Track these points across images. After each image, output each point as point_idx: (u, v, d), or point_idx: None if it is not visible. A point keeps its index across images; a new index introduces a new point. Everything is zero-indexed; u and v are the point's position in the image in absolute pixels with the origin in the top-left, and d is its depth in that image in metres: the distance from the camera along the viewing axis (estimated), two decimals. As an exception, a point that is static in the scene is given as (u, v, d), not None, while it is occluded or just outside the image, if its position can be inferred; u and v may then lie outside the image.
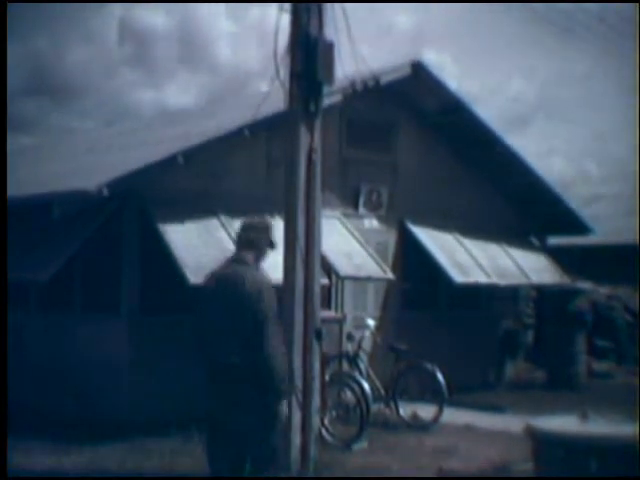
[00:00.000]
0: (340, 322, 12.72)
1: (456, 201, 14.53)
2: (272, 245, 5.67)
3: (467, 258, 14.09)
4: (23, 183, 12.40)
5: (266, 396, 5.22)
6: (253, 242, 5.54)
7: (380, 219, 13.62)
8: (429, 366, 11.04)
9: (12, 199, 11.12)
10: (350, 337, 11.54)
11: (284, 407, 5.45)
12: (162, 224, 10.39)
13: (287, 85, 8.07)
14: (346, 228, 12.67)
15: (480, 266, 14.07)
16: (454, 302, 14.47)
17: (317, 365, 8.20)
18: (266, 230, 5.65)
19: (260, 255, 5.56)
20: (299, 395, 7.90)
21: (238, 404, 5.22)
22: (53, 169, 14.40)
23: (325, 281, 10.85)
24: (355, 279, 12.55)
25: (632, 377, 15.41)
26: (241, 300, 5.24)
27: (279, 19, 7.85)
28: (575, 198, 18.31)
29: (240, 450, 5.34)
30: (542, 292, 16.01)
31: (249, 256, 5.49)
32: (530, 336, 16.81)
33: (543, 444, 6.62)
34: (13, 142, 20.91)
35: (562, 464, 6.38)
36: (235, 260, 5.50)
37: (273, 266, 9.67)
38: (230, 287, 5.32)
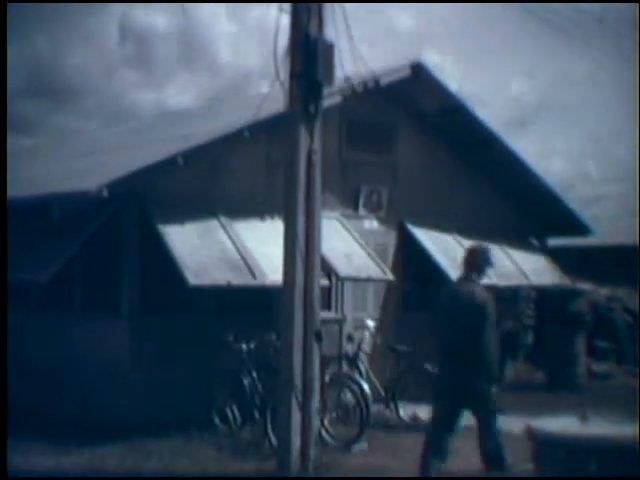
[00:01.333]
0: (340, 323, 12.72)
1: (456, 202, 14.53)
2: (490, 265, 7.66)
3: (467, 259, 14.07)
4: (23, 184, 12.41)
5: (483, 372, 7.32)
6: (478, 265, 7.52)
7: (380, 220, 13.62)
8: (429, 367, 11.03)
9: (12, 200, 11.13)
10: (350, 338, 11.56)
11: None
12: (162, 225, 10.39)
13: (287, 86, 8.07)
14: (346, 229, 12.67)
15: (480, 267, 14.06)
16: (454, 303, 14.44)
17: (317, 366, 8.21)
18: (485, 254, 7.60)
19: (482, 274, 7.55)
20: (299, 396, 7.91)
21: (469, 373, 7.32)
22: (53, 170, 14.41)
23: (325, 282, 10.85)
24: (355, 280, 12.55)
25: (632, 378, 15.41)
26: (472, 308, 7.33)
27: (279, 20, 7.87)
28: (575, 199, 18.29)
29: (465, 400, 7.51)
30: (542, 293, 16.00)
31: (474, 275, 7.49)
32: (530, 337, 16.80)
33: (543, 445, 6.63)
34: (13, 143, 20.93)
35: (562, 465, 6.39)
36: (466, 278, 7.54)
37: (273, 267, 9.76)
38: (464, 299, 7.43)
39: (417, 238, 13.79)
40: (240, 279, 10.41)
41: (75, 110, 43.84)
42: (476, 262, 7.54)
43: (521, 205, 15.54)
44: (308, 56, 7.90)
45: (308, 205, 8.03)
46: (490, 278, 13.93)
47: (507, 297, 15.78)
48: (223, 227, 10.97)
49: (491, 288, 14.10)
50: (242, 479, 8.37)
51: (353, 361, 11.02)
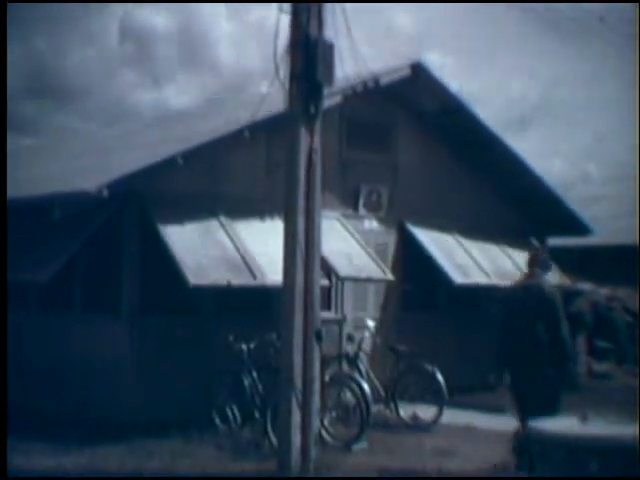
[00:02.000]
0: (340, 323, 12.72)
1: (456, 202, 14.53)
2: (548, 268, 8.91)
3: (467, 259, 14.09)
4: (24, 184, 12.41)
5: (559, 359, 8.31)
6: (542, 264, 8.70)
7: (380, 220, 13.62)
8: (429, 367, 11.05)
9: (12, 200, 11.13)
10: (350, 338, 11.56)
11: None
12: (162, 225, 10.39)
13: (287, 86, 8.07)
14: (346, 229, 12.67)
15: (480, 267, 14.08)
16: (454, 303, 14.47)
17: (317, 366, 8.21)
18: (547, 257, 8.94)
19: (545, 272, 8.71)
20: (299, 396, 7.91)
21: (539, 363, 8.24)
22: (54, 170, 14.41)
23: (325, 282, 10.86)
24: (355, 280, 12.55)
25: (632, 378, 15.38)
26: (543, 301, 8.34)
27: (279, 20, 7.86)
28: (575, 199, 18.27)
29: (539, 390, 8.33)
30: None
31: (539, 272, 8.63)
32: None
33: (544, 445, 6.63)
34: (13, 143, 20.91)
35: (563, 465, 6.38)
36: (532, 275, 8.63)
37: (273, 267, 9.76)
38: (534, 292, 8.43)
39: (417, 238, 13.79)
40: (240, 279, 10.41)
41: (75, 110, 43.80)
42: (541, 262, 8.77)
43: (521, 205, 15.55)
44: (308, 56, 7.90)
45: (308, 205, 8.03)
46: (490, 278, 14.03)
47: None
48: (223, 227, 10.97)
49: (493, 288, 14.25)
50: (242, 479, 8.37)
51: (353, 361, 11.02)
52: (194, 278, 9.95)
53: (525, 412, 8.23)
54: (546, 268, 8.82)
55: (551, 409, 8.07)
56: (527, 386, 8.39)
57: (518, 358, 8.42)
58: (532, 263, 8.72)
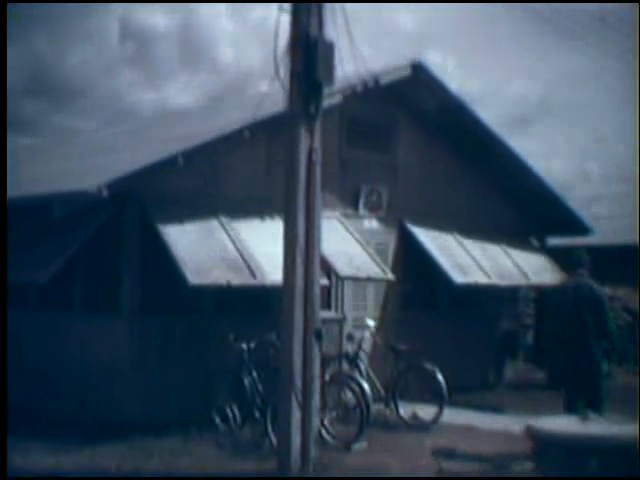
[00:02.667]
0: (340, 322, 12.73)
1: (456, 202, 14.54)
2: (584, 267, 9.41)
3: (467, 259, 14.09)
4: (23, 183, 12.41)
5: (606, 349, 9.12)
6: (586, 264, 9.38)
7: (380, 220, 13.63)
8: (429, 366, 11.05)
9: (12, 199, 11.13)
10: (350, 337, 11.56)
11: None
12: (162, 225, 10.39)
13: (287, 86, 8.07)
14: (346, 229, 12.67)
15: (480, 267, 14.08)
16: (454, 303, 14.48)
17: (317, 365, 8.20)
18: (588, 258, 9.45)
19: (589, 271, 9.35)
20: (299, 395, 7.91)
21: (587, 353, 8.98)
22: (53, 169, 14.41)
23: (325, 282, 10.86)
24: (355, 280, 12.55)
25: (632, 377, 15.41)
26: (592, 299, 9.09)
27: (279, 19, 7.86)
28: (575, 199, 18.31)
29: (584, 380, 9.02)
30: (542, 292, 16.00)
31: (585, 272, 9.35)
32: (530, 336, 16.79)
33: (544, 444, 6.64)
34: (13, 142, 20.91)
35: (563, 464, 6.39)
36: (580, 275, 9.35)
37: (273, 267, 9.77)
38: (582, 291, 9.15)
39: (417, 238, 13.79)
40: (240, 279, 10.41)
41: (75, 110, 43.84)
42: (586, 263, 9.44)
43: (521, 205, 15.56)
44: (308, 56, 7.90)
45: (308, 204, 8.03)
46: (490, 278, 14.03)
47: (507, 297, 15.80)
48: (223, 227, 10.97)
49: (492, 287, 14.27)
50: (242, 479, 8.37)
51: (353, 360, 11.02)
52: (194, 278, 9.95)
53: (570, 405, 8.76)
54: (588, 268, 9.47)
55: (598, 400, 8.76)
56: (576, 377, 8.99)
57: (568, 351, 9.05)
58: (578, 264, 9.50)
